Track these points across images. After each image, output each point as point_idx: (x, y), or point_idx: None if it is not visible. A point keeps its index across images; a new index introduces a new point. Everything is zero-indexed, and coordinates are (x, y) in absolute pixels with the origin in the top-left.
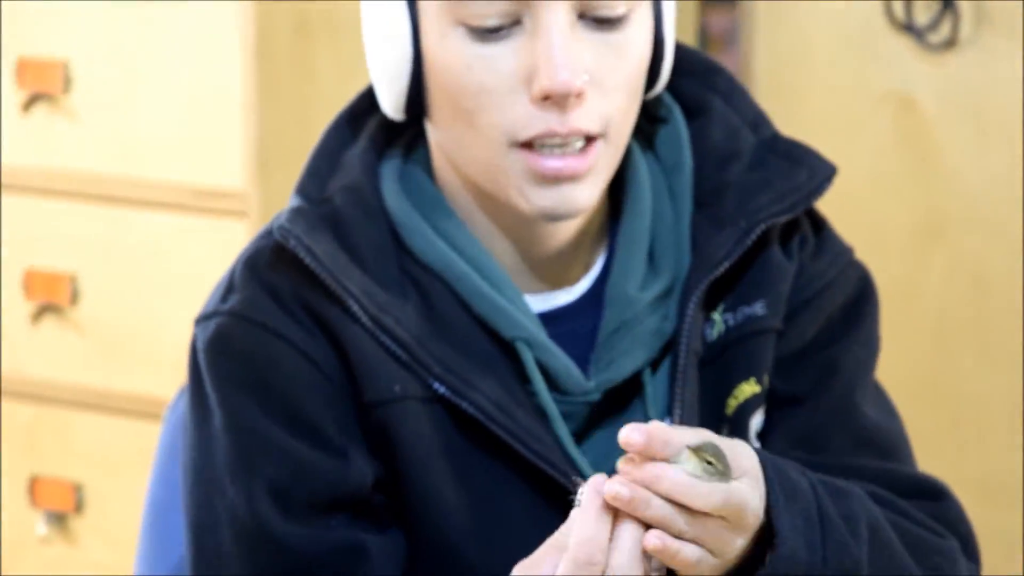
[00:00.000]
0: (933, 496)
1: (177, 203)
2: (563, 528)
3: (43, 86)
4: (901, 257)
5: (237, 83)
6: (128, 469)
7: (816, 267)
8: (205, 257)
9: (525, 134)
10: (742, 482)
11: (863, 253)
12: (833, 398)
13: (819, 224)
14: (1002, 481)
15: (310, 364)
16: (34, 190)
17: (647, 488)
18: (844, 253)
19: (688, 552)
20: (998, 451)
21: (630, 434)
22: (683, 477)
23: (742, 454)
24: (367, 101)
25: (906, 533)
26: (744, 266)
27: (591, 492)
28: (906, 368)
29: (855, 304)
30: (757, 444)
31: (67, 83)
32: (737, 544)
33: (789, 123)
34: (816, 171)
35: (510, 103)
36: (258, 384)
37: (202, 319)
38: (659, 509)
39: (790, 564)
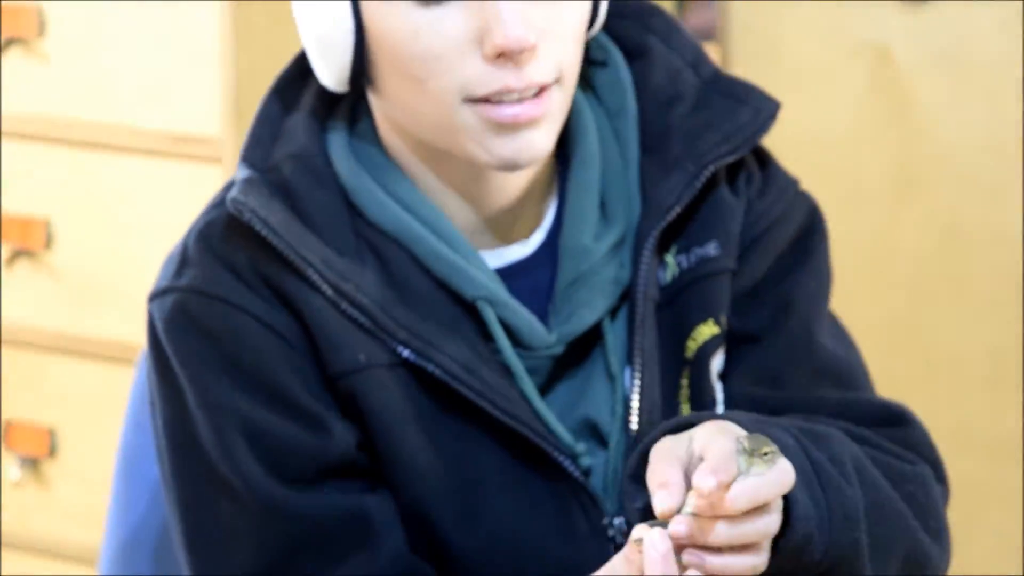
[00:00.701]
0: (898, 422)
1: (152, 148)
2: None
3: (18, 31)
4: (876, 208)
5: (213, 28)
6: (101, 414)
7: (763, 204)
8: (180, 202)
9: (481, 91)
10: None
11: (838, 203)
12: (790, 333)
13: (764, 160)
14: (976, 431)
15: (275, 336)
16: (9, 135)
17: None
18: (790, 186)
19: (749, 560)
20: (972, 401)
21: (704, 483)
22: (751, 482)
23: (732, 428)
24: (302, 65)
25: (883, 466)
26: (694, 207)
27: (650, 548)
28: (880, 318)
29: (805, 237)
30: (719, 385)
31: (42, 27)
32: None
33: (765, 74)
34: (760, 109)
35: (461, 65)
36: (226, 360)
37: (157, 295)
38: (721, 533)
39: (804, 524)
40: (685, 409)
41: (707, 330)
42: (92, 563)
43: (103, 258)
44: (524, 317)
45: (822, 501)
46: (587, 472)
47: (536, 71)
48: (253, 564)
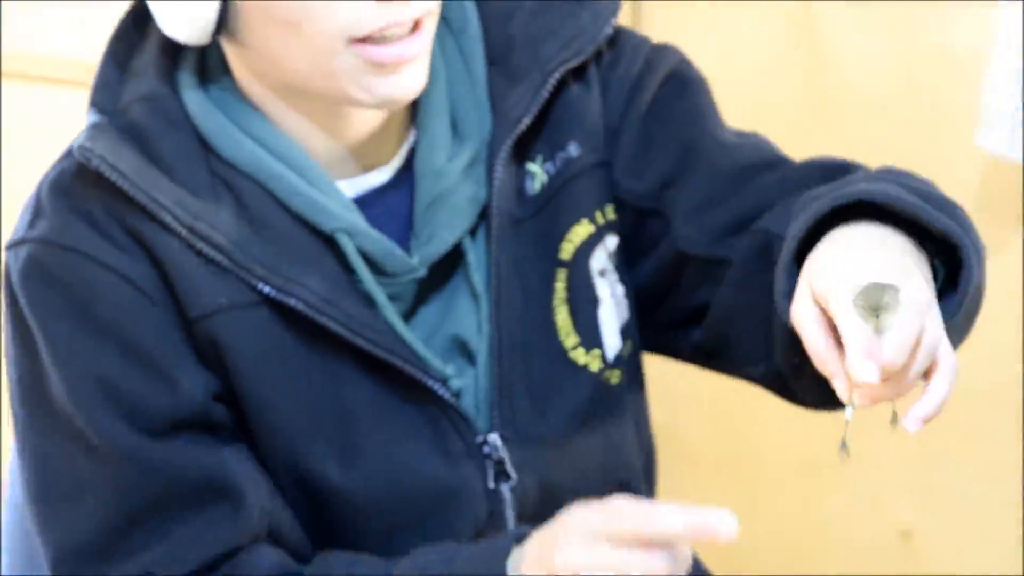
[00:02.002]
0: (850, 168)
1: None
2: None
3: None
4: (785, 141)
5: None
6: None
7: (618, 72)
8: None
9: (366, 29)
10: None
11: None
12: (700, 154)
13: (613, 38)
14: None
15: (130, 286)
16: None
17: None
18: (643, 44)
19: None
20: None
21: (866, 377)
22: (895, 339)
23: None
24: (139, 10)
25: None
26: (548, 113)
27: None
28: None
29: (673, 76)
30: (600, 280)
31: None
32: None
33: (675, 13)
34: (599, 9)
35: (342, 4)
36: (80, 312)
37: (12, 245)
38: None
39: (968, 257)
40: (561, 312)
41: (582, 230)
42: None
43: None
44: (384, 245)
45: (944, 219)
46: (457, 394)
47: (416, 8)
48: (109, 517)
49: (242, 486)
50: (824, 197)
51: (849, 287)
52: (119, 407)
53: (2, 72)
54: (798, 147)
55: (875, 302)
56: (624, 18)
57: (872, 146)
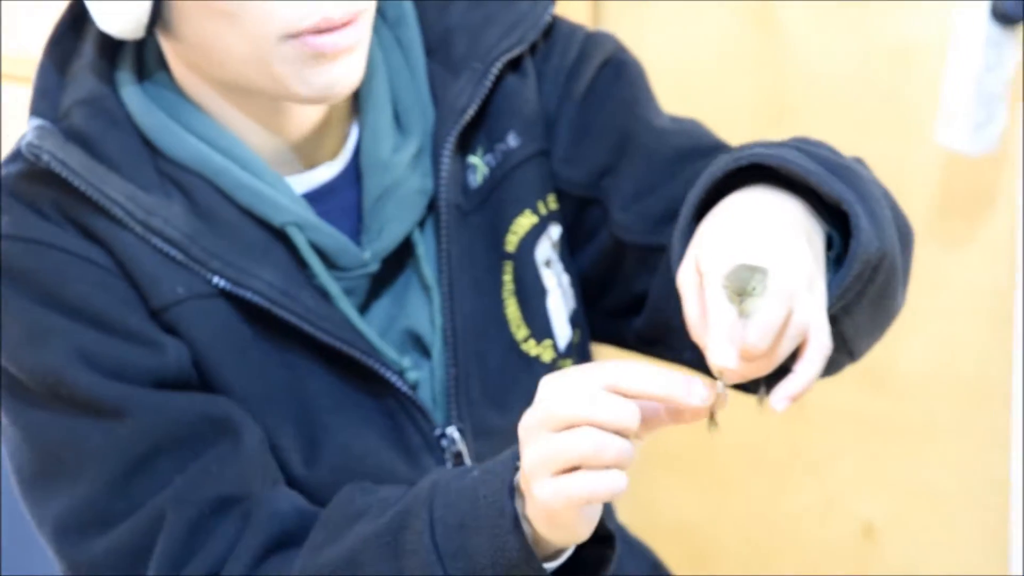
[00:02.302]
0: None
1: None
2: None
3: None
4: (744, 137)
5: None
6: None
7: (552, 63)
8: None
9: (302, 24)
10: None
11: None
12: (636, 140)
13: (548, 29)
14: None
15: (96, 267)
16: None
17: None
18: (576, 32)
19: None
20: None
21: (724, 363)
22: (759, 323)
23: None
24: (76, 12)
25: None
26: (488, 104)
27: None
28: None
29: (608, 64)
30: (547, 270)
31: None
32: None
33: (632, 6)
34: None
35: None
36: (51, 297)
37: None
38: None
39: (859, 220)
40: (510, 304)
41: (526, 221)
42: None
43: None
44: (336, 238)
45: (845, 187)
46: (414, 386)
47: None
48: (110, 473)
49: (238, 422)
50: (722, 161)
51: (720, 266)
52: (103, 368)
53: (2, 74)
54: None
55: (742, 285)
56: (583, 16)
57: (833, 142)
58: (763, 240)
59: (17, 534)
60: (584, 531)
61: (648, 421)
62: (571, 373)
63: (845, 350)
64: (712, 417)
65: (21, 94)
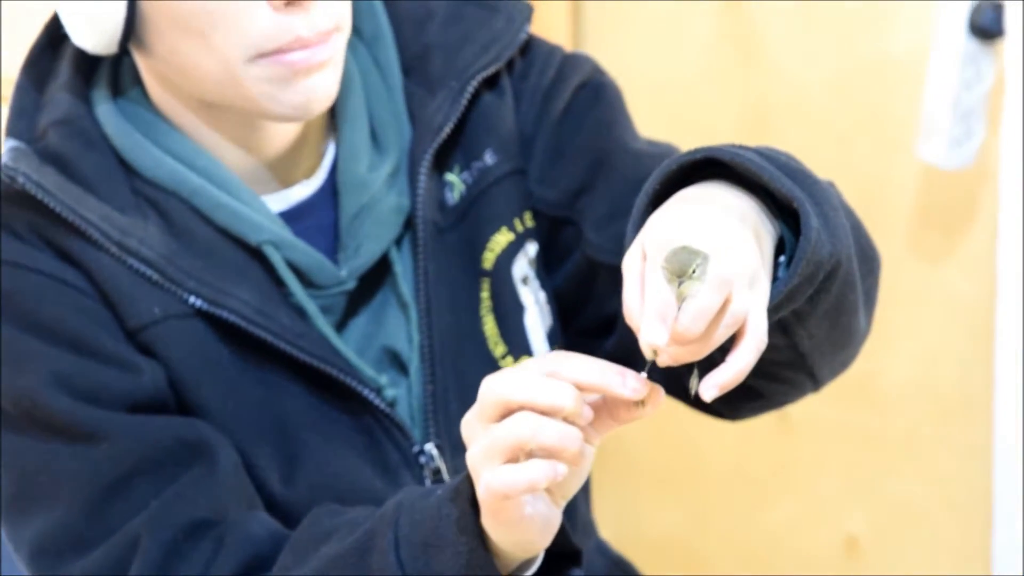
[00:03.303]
0: None
1: None
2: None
3: None
4: None
5: None
6: None
7: (530, 82)
8: None
9: (272, 45)
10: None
11: (689, 147)
12: (612, 161)
13: (525, 46)
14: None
15: (71, 289)
16: None
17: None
18: (555, 53)
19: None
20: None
21: (653, 340)
22: (693, 307)
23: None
24: (53, 33)
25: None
26: (464, 122)
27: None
28: None
29: (586, 86)
30: (524, 289)
31: None
32: (764, 253)
33: (613, 19)
34: (513, 14)
35: (248, 16)
36: (25, 319)
37: None
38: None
39: (808, 219)
40: (488, 321)
41: (502, 238)
42: None
43: None
44: (312, 257)
45: (800, 189)
46: (392, 403)
47: (323, 18)
48: (86, 497)
49: (214, 445)
50: (678, 156)
51: (662, 247)
52: (78, 393)
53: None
54: None
55: (681, 267)
56: (563, 21)
57: (814, 157)
58: (708, 227)
59: None
60: (536, 536)
61: (596, 424)
62: (509, 368)
63: (804, 370)
64: (643, 404)
65: None
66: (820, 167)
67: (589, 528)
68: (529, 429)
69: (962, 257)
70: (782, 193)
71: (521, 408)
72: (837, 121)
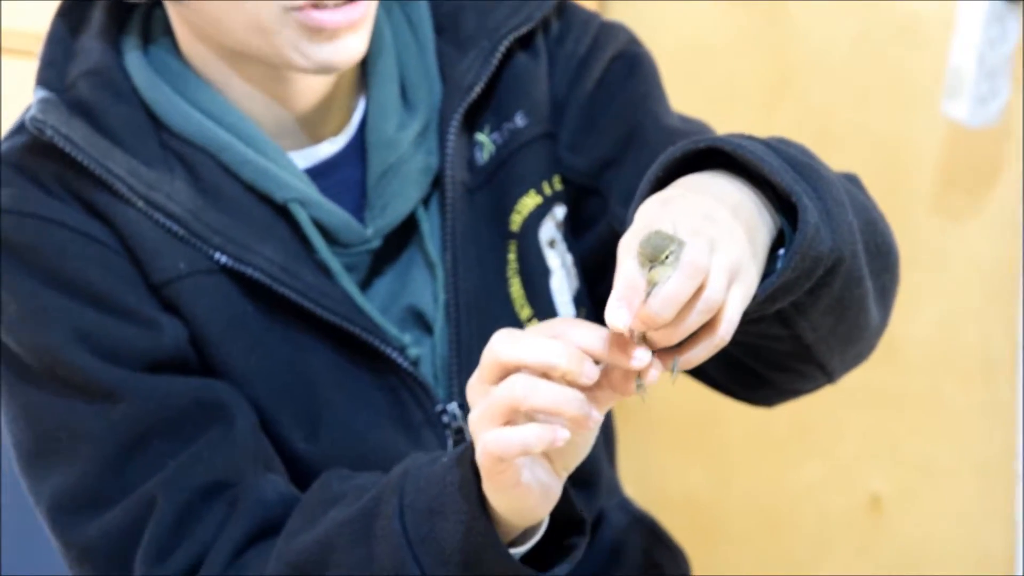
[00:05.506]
0: None
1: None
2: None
3: None
4: (750, 111)
5: None
6: None
7: (566, 47)
8: None
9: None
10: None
11: (713, 107)
12: (645, 134)
13: (560, 7)
14: None
15: (96, 243)
16: None
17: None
18: (592, 20)
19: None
20: None
21: (616, 322)
22: (664, 292)
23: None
24: None
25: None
26: (496, 82)
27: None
28: None
29: (621, 56)
30: (550, 250)
31: None
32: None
33: None
34: None
35: None
36: (49, 273)
37: None
38: (673, 335)
39: (806, 213)
40: (514, 284)
41: (530, 201)
42: None
43: None
44: (338, 215)
45: (803, 183)
46: (416, 362)
47: None
48: (104, 455)
49: (232, 407)
50: (682, 143)
51: (641, 231)
52: (99, 350)
53: (1, 48)
54: (763, 118)
55: (654, 252)
56: None
57: (838, 116)
58: (693, 215)
59: (17, 534)
60: (535, 503)
61: (598, 395)
62: (509, 329)
63: (813, 361)
64: (640, 383)
65: (19, 68)
66: (844, 126)
67: (613, 487)
68: (522, 389)
69: (986, 217)
70: (782, 187)
71: (517, 368)
72: (861, 80)
